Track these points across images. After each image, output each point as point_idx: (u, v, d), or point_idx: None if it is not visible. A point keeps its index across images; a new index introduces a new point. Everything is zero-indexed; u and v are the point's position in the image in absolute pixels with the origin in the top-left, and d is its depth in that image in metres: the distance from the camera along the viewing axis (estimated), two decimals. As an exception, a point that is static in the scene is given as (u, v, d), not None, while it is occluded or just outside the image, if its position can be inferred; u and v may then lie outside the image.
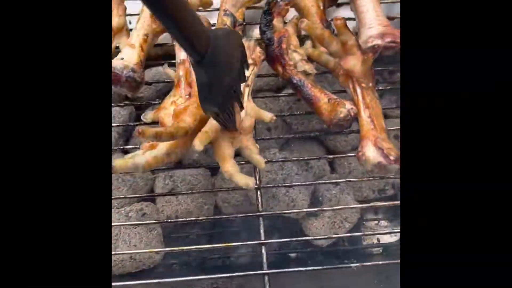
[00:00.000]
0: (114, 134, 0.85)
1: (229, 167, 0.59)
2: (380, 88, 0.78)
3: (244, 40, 0.71)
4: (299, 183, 0.68)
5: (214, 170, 0.82)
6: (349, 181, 0.66)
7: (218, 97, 0.52)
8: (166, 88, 0.88)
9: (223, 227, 0.82)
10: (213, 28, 0.77)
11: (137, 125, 0.75)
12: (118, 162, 0.56)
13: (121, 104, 0.80)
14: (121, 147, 0.82)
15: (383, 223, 0.84)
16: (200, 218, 0.65)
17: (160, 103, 0.68)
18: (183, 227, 0.83)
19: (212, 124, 0.60)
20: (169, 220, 0.71)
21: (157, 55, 0.85)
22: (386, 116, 0.83)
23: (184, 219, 0.72)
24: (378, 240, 0.83)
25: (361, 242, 0.84)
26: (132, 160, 0.57)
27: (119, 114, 0.87)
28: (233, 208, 0.80)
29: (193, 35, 0.46)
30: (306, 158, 0.67)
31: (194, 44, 0.47)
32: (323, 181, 0.66)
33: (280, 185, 0.68)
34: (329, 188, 0.78)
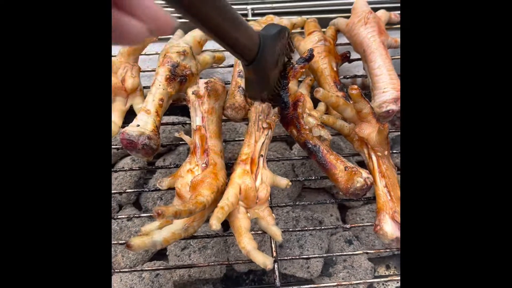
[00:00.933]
0: (125, 189, 0.85)
1: (246, 243, 0.58)
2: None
3: (257, 104, 0.71)
4: (316, 255, 0.68)
5: (227, 224, 0.81)
6: (366, 252, 0.66)
7: (263, 90, 0.60)
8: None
9: (235, 285, 0.82)
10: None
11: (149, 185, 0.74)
12: (136, 241, 0.56)
13: (136, 168, 0.79)
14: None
15: (395, 278, 0.83)
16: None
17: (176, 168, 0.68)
18: (197, 282, 0.82)
19: (228, 198, 0.60)
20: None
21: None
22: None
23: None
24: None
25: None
26: (150, 239, 0.57)
27: (130, 171, 0.86)
28: (246, 266, 0.80)
29: (241, 47, 0.52)
30: (322, 227, 0.67)
31: (242, 54, 0.53)
32: (339, 253, 0.66)
33: (297, 257, 0.67)
34: (342, 248, 0.78)
